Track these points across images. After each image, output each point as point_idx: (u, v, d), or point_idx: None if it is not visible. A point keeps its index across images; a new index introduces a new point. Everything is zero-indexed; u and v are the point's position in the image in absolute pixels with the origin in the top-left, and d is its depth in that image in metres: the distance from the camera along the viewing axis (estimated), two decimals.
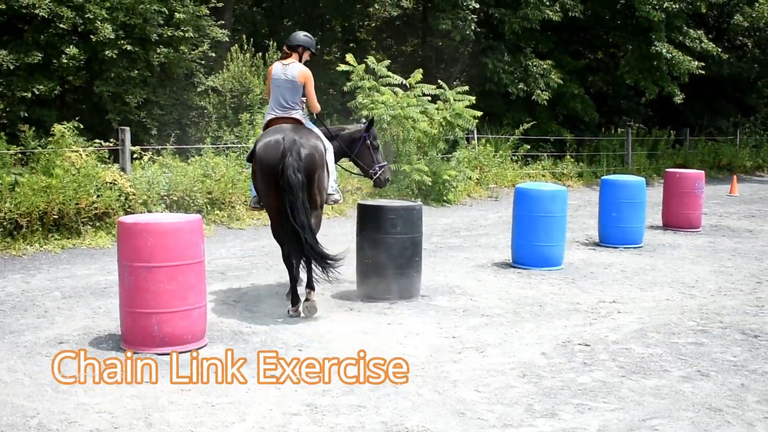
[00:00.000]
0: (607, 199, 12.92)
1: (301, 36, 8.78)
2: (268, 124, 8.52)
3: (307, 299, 8.13)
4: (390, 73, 17.72)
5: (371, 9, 27.79)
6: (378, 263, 8.68)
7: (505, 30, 23.66)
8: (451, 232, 14.13)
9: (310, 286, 8.20)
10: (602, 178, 13.63)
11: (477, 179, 20.15)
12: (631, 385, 6.15)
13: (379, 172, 9.52)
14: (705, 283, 10.26)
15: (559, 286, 9.80)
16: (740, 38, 31.70)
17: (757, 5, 29.77)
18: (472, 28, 22.92)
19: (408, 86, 17.79)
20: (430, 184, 17.48)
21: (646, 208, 13.25)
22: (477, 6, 23.00)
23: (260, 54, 19.00)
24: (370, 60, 17.75)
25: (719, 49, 27.44)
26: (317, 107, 8.98)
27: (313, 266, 8.09)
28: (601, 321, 8.15)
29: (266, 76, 9.39)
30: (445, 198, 18.21)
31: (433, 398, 5.78)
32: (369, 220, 8.78)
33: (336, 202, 9.17)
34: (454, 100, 18.11)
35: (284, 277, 9.82)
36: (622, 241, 12.69)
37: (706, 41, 26.95)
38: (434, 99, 18.33)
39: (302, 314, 8.07)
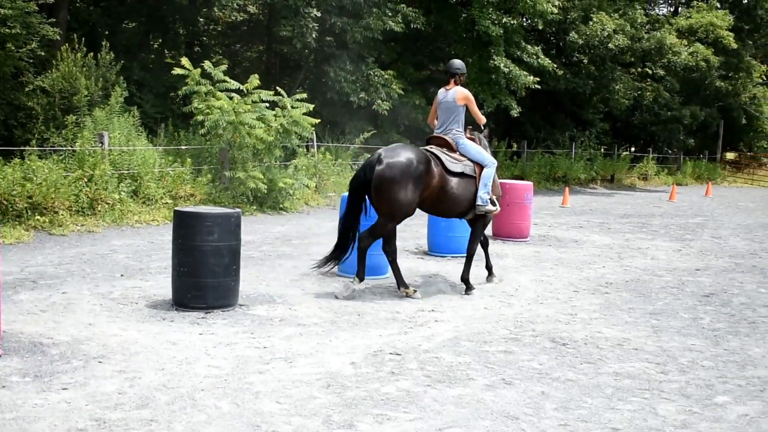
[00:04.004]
0: None
1: (458, 63, 10.55)
2: (428, 141, 10.33)
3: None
4: (227, 78, 17.46)
5: (215, 13, 27.36)
6: (193, 272, 8.44)
7: (348, 39, 23.70)
8: (283, 241, 13.98)
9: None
10: None
11: (315, 187, 20.09)
12: (435, 394, 6.14)
13: None
14: (524, 291, 10.47)
15: (382, 295, 9.80)
16: (576, 55, 32.80)
17: (591, 23, 30.88)
18: (314, 36, 22.86)
19: (245, 92, 17.55)
20: (265, 191, 17.30)
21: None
22: (319, 14, 22.97)
23: (92, 54, 18.36)
24: (207, 64, 17.43)
25: (555, 65, 28.33)
26: (482, 119, 10.82)
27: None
28: (417, 330, 8.16)
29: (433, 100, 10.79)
30: (281, 206, 18.07)
31: (231, 411, 5.61)
32: (185, 227, 8.52)
33: (489, 212, 10.40)
34: (292, 107, 17.96)
35: (99, 285, 9.53)
36: (450, 251, 12.84)
37: (543, 57, 27.78)
38: (273, 106, 18.14)
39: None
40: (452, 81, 10.39)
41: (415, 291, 9.86)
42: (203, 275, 8.44)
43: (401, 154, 9.49)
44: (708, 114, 43.31)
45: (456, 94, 10.26)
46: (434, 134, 10.38)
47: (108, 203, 14.63)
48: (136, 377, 6.25)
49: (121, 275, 10.31)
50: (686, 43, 38.71)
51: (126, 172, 15.45)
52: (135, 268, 10.86)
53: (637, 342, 8.06)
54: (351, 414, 5.64)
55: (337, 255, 9.84)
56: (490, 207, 10.30)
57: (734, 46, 40.82)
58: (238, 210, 8.87)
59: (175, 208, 8.84)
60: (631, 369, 7.08)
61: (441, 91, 10.40)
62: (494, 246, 13.91)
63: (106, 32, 23.89)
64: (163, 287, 9.42)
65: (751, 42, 46.51)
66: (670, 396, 6.37)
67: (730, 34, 40.90)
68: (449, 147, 10.20)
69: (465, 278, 10.32)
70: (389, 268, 10.97)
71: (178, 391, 5.97)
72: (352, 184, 9.69)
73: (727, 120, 46.43)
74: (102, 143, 15.13)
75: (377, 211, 9.71)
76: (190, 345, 7.23)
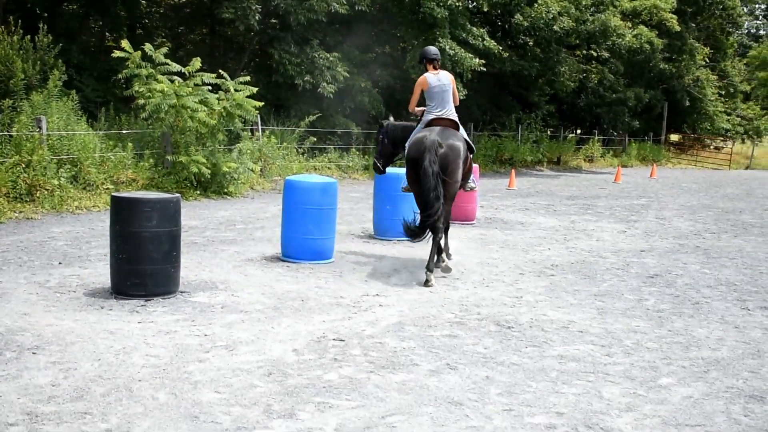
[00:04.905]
0: (382, 192, 12.94)
1: (435, 50, 11.08)
2: (432, 122, 10.39)
3: (426, 281, 9.76)
4: (168, 61, 17.14)
5: None
6: (132, 258, 8.23)
7: (292, 21, 23.43)
8: (227, 226, 13.78)
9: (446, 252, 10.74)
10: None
11: (260, 171, 19.87)
12: (378, 380, 6.04)
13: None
14: (470, 274, 10.41)
15: (326, 280, 9.66)
16: (522, 37, 32.82)
17: (536, 5, 30.91)
18: (257, 18, 22.55)
19: (187, 75, 17.25)
20: (209, 176, 17.06)
21: None
22: None
23: (29, 37, 17.92)
24: (147, 47, 17.09)
25: (500, 48, 28.32)
26: (458, 99, 11.00)
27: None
28: (361, 315, 8.05)
29: (416, 86, 10.73)
30: (226, 190, 17.85)
31: (168, 401, 5.46)
32: (123, 213, 8.30)
33: (473, 189, 11.62)
34: (235, 90, 17.70)
35: (36, 274, 9.28)
36: (397, 234, 12.71)
37: (488, 39, 27.76)
38: (216, 89, 17.87)
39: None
40: (431, 66, 10.70)
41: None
42: (142, 262, 8.24)
43: (454, 137, 10.08)
44: (652, 96, 43.77)
45: (448, 77, 10.67)
46: (439, 116, 10.47)
47: (47, 189, 14.31)
48: (71, 368, 6.05)
49: (59, 263, 10.06)
50: (630, 26, 38.98)
51: (65, 157, 15.12)
52: (74, 255, 10.61)
53: (582, 324, 8.04)
54: (292, 402, 5.52)
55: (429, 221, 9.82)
56: (473, 184, 11.33)
57: (677, 28, 41.24)
58: (177, 195, 8.67)
59: (113, 194, 8.62)
60: (576, 352, 7.04)
61: (429, 77, 10.55)
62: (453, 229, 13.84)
63: (45, 14, 23.36)
64: (103, 275, 9.21)
65: (693, 25, 47.07)
66: (614, 379, 6.34)
67: (674, 16, 41.32)
68: (456, 128, 10.47)
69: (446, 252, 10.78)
70: (333, 253, 10.91)
71: (114, 382, 5.80)
72: (426, 168, 9.70)
73: (671, 102, 46.95)
74: (40, 128, 14.76)
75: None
76: (128, 334, 7.04)
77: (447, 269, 10.41)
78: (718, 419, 5.59)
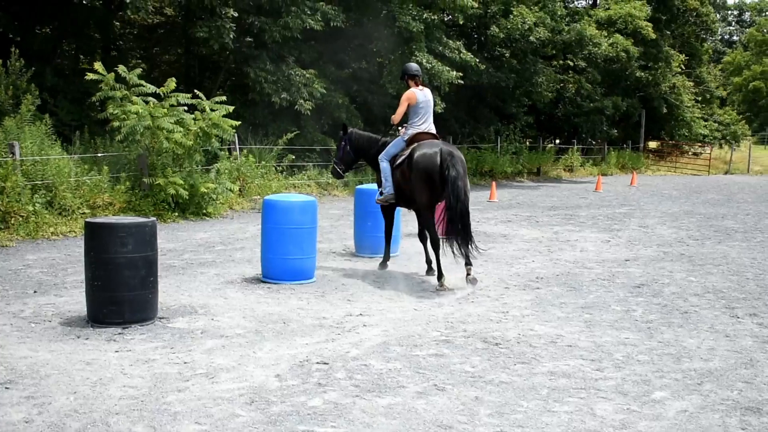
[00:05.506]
0: (362, 209, 12.77)
1: (417, 66, 11.54)
2: (417, 137, 10.82)
3: (468, 274, 10.42)
4: (142, 82, 16.92)
5: (129, 16, 26.66)
6: (108, 285, 8.01)
7: (267, 39, 23.26)
8: (206, 248, 13.56)
9: (469, 263, 10.46)
10: (356, 187, 13.45)
11: (239, 191, 19.66)
12: (364, 405, 5.85)
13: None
14: (454, 290, 10.23)
15: (308, 301, 9.47)
16: (498, 49, 32.78)
17: (512, 17, 30.89)
18: (231, 36, 22.35)
19: (162, 96, 17.03)
20: (187, 197, 16.83)
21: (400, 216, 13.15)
22: (236, 14, 22.48)
23: (0, 61, 17.67)
24: (121, 69, 16.85)
25: (477, 60, 28.26)
26: None
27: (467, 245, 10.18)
28: (345, 336, 7.86)
29: (403, 99, 11.06)
30: (204, 211, 17.61)
31: None
32: (97, 239, 8.08)
33: None
34: (211, 109, 17.49)
35: (10, 303, 9.04)
36: (378, 251, 12.53)
37: (465, 52, 27.69)
38: (192, 109, 17.65)
39: (469, 284, 10.33)
40: (413, 82, 11.13)
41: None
42: (118, 289, 8.02)
43: (455, 150, 10.44)
44: (630, 104, 43.83)
45: (430, 93, 11.25)
46: (425, 131, 10.96)
47: (22, 216, 14.04)
48: (46, 403, 5.83)
49: (34, 291, 9.81)
50: (606, 35, 39.05)
51: (40, 182, 14.85)
52: (50, 283, 10.36)
53: (571, 338, 7.89)
54: None
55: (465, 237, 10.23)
56: None
57: (653, 36, 41.35)
58: (153, 219, 8.46)
59: (86, 220, 8.41)
60: (566, 367, 6.88)
61: (416, 92, 10.99)
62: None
63: (18, 38, 23.10)
64: (79, 303, 8.95)
65: (669, 32, 47.26)
66: (607, 394, 6.18)
67: (649, 24, 41.44)
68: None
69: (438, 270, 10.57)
70: (315, 273, 10.74)
71: (90, 416, 5.58)
72: (449, 175, 10.08)
73: (648, 109, 47.05)
74: (13, 153, 14.51)
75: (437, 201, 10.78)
76: (105, 364, 6.82)
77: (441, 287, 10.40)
78: None
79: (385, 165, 11.13)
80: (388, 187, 11.06)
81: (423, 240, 11.45)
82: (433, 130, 11.11)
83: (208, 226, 16.42)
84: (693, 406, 5.95)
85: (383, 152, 11.24)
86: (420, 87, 11.12)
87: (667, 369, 6.90)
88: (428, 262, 11.34)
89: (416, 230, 11.70)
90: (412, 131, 10.96)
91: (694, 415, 5.76)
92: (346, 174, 12.62)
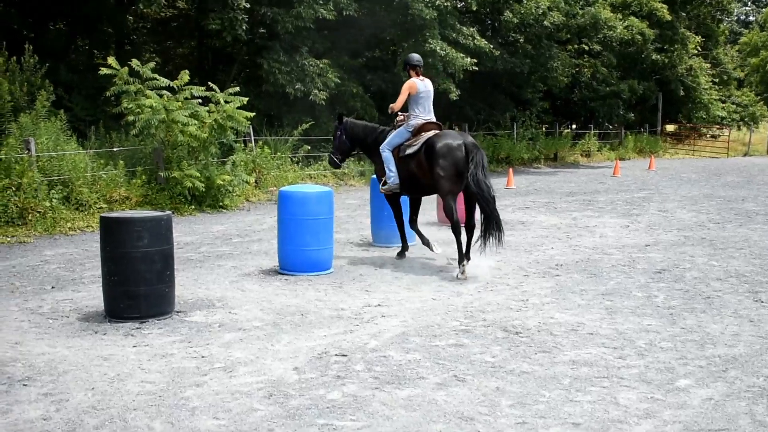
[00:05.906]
0: (378, 199, 12.67)
1: (418, 56, 11.51)
2: (424, 126, 10.96)
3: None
4: (156, 76, 16.88)
5: (142, 10, 26.62)
6: (125, 280, 7.98)
7: (279, 29, 23.17)
8: (223, 240, 13.51)
9: (468, 257, 10.51)
10: (372, 176, 13.34)
11: (255, 183, 19.62)
12: (383, 397, 5.78)
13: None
14: (473, 278, 10.15)
15: (326, 292, 9.40)
16: (512, 34, 32.55)
17: (525, 2, 30.65)
18: (244, 28, 22.28)
19: (176, 89, 16.99)
20: (203, 190, 16.79)
21: (421, 204, 13.03)
22: (248, 5, 22.38)
23: (15, 58, 17.67)
24: (135, 63, 16.81)
25: (491, 46, 28.06)
26: None
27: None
28: (363, 327, 7.79)
29: (404, 89, 11.09)
30: (221, 204, 17.57)
31: (165, 431, 5.20)
32: (113, 233, 8.05)
33: None
34: (225, 101, 17.43)
35: (29, 299, 9.02)
36: (395, 241, 12.46)
37: (479, 38, 27.51)
38: (206, 101, 17.60)
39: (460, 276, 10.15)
40: (414, 72, 11.19)
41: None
42: (135, 283, 7.99)
43: (477, 143, 10.58)
44: (646, 87, 43.45)
45: (430, 83, 11.37)
46: (430, 120, 11.15)
47: (39, 212, 14.04)
48: (64, 400, 5.80)
49: (52, 287, 9.79)
50: (621, 17, 38.72)
51: (56, 178, 14.85)
52: (67, 278, 10.34)
53: (592, 326, 7.79)
54: (294, 426, 5.26)
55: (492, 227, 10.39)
56: None
57: (668, 18, 40.97)
58: (168, 213, 8.41)
59: (101, 215, 8.36)
60: (588, 356, 6.79)
61: (417, 81, 11.09)
62: (440, 232, 13.56)
63: (31, 35, 23.10)
64: (97, 298, 8.91)
65: (684, 14, 46.75)
66: (630, 383, 6.09)
67: (664, 6, 41.05)
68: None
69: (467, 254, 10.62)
70: (332, 263, 10.69)
71: (108, 412, 5.54)
72: (470, 169, 10.21)
73: (665, 92, 46.66)
74: (29, 150, 14.50)
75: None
76: (123, 359, 6.78)
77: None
78: (742, 422, 5.34)
79: (387, 155, 11.19)
80: (393, 177, 11.13)
81: (415, 226, 11.81)
82: (434, 119, 11.27)
83: (225, 219, 16.38)
84: (718, 394, 5.85)
85: (385, 142, 11.28)
86: (421, 77, 11.21)
87: (690, 356, 6.80)
88: (425, 243, 11.53)
89: (433, 219, 11.66)
90: (416, 121, 11.06)
91: (720, 403, 5.67)
92: (343, 163, 12.79)
